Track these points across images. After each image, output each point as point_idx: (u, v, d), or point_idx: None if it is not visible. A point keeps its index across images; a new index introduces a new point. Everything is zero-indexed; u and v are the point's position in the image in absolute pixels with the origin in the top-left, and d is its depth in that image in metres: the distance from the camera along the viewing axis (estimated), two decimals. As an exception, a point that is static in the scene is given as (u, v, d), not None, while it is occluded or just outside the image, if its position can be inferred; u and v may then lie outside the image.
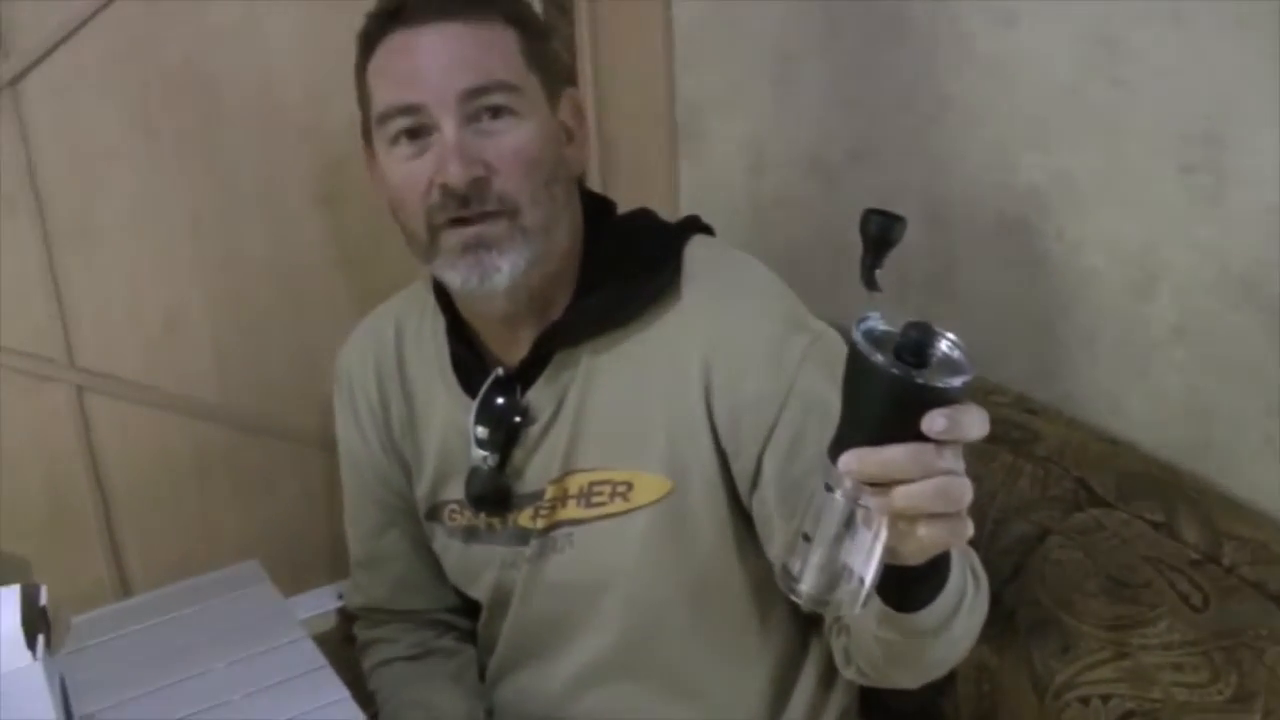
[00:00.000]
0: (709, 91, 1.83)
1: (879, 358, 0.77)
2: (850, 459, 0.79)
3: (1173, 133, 1.25)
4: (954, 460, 0.80)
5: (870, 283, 0.83)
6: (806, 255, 1.69)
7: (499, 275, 1.15)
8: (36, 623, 1.02)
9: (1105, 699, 1.15)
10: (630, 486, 1.22)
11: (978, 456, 1.33)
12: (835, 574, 0.84)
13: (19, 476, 1.57)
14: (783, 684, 1.30)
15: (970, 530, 0.83)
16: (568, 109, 1.23)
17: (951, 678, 1.27)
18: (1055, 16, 1.33)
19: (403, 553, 1.42)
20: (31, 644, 1.00)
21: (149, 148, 1.55)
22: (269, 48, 1.59)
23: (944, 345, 0.80)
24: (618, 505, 1.22)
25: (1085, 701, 1.16)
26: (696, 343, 1.18)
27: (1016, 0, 1.36)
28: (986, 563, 1.24)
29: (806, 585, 0.85)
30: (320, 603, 1.68)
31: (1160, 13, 1.23)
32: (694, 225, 1.29)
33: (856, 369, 0.79)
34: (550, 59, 1.22)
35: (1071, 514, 1.26)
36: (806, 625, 1.31)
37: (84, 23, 1.48)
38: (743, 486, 1.19)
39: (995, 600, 1.26)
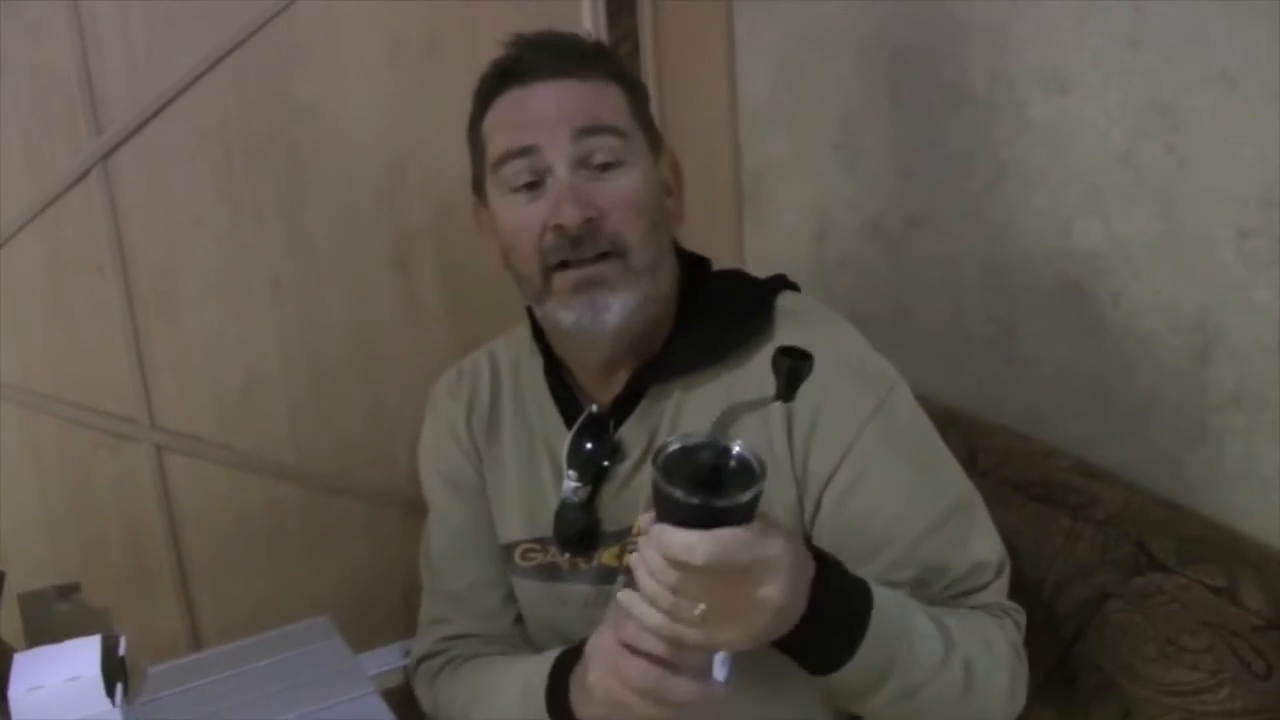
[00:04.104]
0: (774, 159, 1.87)
1: (661, 479, 0.91)
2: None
3: (1228, 198, 1.26)
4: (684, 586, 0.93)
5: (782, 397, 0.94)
6: (868, 318, 1.69)
7: (610, 313, 1.20)
8: (116, 671, 1.05)
9: (1166, 764, 1.14)
10: None
11: (1039, 520, 1.34)
12: None
13: (101, 531, 1.62)
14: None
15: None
16: (667, 165, 1.28)
17: (1014, 740, 1.27)
18: (1107, 84, 1.35)
19: (480, 584, 1.41)
20: (111, 692, 1.04)
21: (232, 217, 1.62)
22: (349, 122, 1.66)
23: (734, 458, 0.93)
24: None
25: (1147, 766, 1.15)
26: None
27: (1069, 68, 1.38)
28: (1048, 626, 1.25)
29: None
30: (389, 660, 1.69)
31: (1212, 79, 1.24)
32: (783, 282, 1.33)
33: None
34: (651, 119, 1.27)
35: (1131, 578, 1.25)
36: None
37: (173, 99, 1.55)
38: (807, 520, 1.21)
39: (1057, 663, 1.26)
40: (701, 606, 0.93)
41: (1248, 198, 1.24)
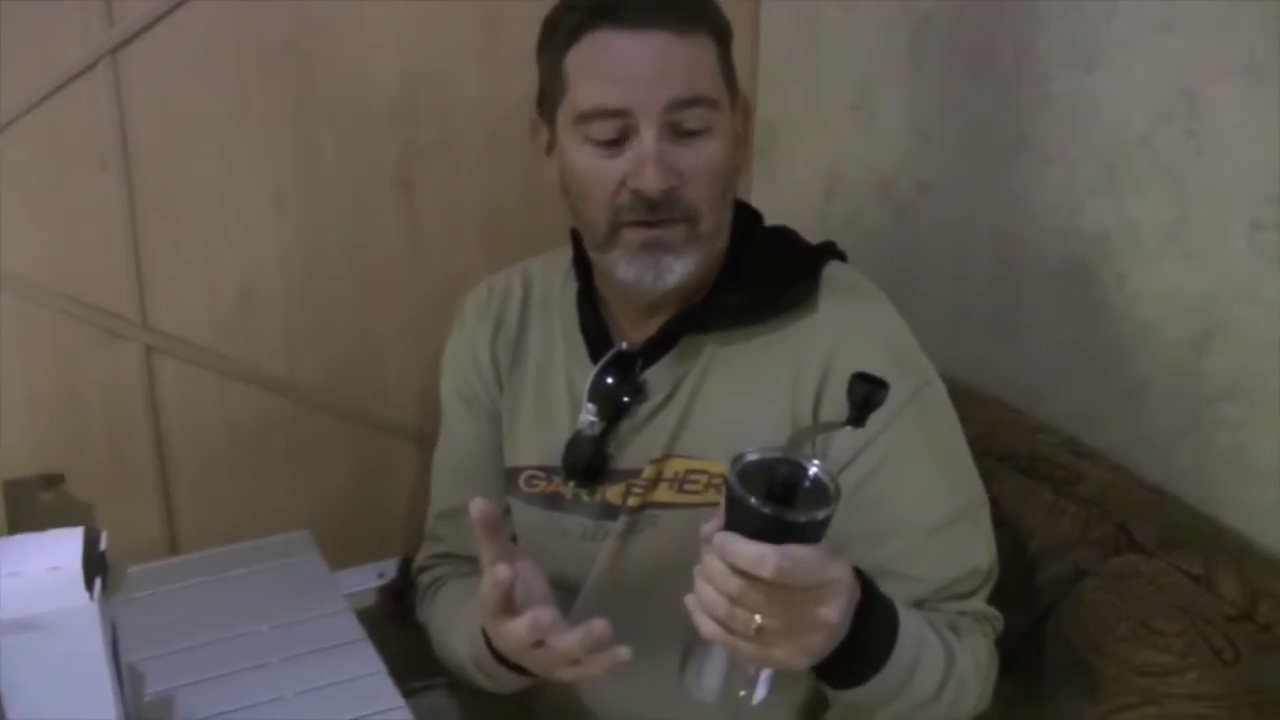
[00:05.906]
0: (790, 113, 1.85)
1: (737, 486, 0.91)
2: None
3: (1243, 189, 1.26)
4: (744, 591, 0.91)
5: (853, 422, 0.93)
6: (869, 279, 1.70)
7: (671, 275, 1.20)
8: (95, 565, 1.05)
9: (1130, 743, 1.15)
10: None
11: (1021, 493, 1.35)
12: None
13: (85, 428, 1.61)
14: (812, 712, 1.31)
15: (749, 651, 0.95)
16: (740, 111, 1.26)
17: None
18: (1133, 65, 1.34)
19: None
20: (90, 585, 1.04)
21: (240, 122, 1.59)
22: (366, 36, 1.63)
23: (810, 478, 0.93)
24: (709, 496, 1.23)
25: (1109, 744, 1.16)
26: (820, 353, 1.21)
27: (1096, 46, 1.37)
28: (1021, 597, 1.25)
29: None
30: (364, 579, 1.71)
31: (1239, 69, 1.24)
32: (831, 250, 1.32)
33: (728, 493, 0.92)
34: (733, 65, 1.24)
35: (1110, 558, 1.27)
36: None
37: (189, -3, 1.52)
38: None
39: (1025, 636, 1.27)
40: (758, 619, 0.92)
41: (1263, 191, 1.23)
